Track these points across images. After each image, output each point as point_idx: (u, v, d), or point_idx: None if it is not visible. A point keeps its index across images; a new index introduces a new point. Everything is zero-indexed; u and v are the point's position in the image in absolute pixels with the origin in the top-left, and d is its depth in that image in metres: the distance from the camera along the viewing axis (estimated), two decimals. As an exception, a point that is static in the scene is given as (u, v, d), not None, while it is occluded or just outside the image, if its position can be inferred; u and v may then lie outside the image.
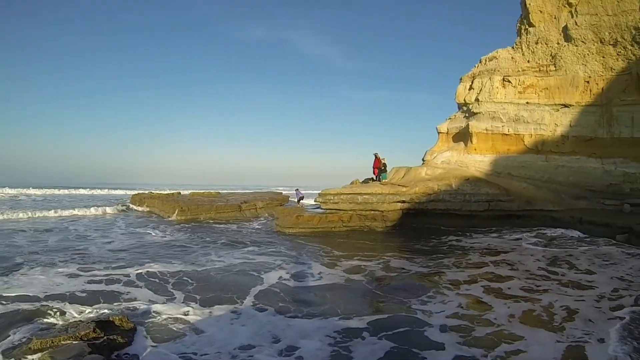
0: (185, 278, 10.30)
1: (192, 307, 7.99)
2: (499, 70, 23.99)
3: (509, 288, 9.49)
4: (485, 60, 24.99)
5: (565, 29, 22.73)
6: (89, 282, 9.72)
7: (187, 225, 21.60)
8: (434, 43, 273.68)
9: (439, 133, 25.97)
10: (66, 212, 26.19)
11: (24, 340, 6.07)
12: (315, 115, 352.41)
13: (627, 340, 6.16)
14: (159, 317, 7.45)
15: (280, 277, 10.61)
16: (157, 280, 10.05)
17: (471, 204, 19.61)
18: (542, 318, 7.43)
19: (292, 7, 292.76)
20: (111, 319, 6.68)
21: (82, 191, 57.75)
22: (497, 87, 23.54)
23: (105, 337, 6.09)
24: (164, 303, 8.26)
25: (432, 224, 19.56)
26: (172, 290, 9.23)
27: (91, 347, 5.53)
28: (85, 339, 5.83)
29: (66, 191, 56.53)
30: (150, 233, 18.79)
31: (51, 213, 25.45)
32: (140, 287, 9.44)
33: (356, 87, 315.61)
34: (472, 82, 24.63)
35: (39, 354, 5.42)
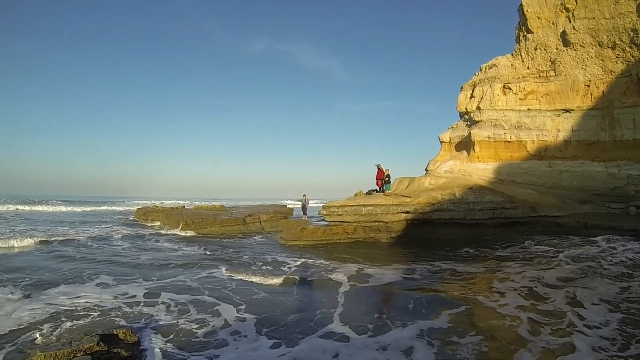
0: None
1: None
2: (499, 78, 24.07)
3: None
4: (485, 68, 25.07)
5: (564, 34, 22.83)
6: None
7: (197, 239, 21.80)
8: (434, 52, 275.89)
9: (441, 142, 25.94)
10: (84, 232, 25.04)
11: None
12: (318, 128, 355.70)
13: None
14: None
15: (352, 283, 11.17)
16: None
17: (475, 212, 19.40)
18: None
19: (291, 20, 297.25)
20: (115, 332, 6.68)
21: (74, 208, 52.60)
22: (498, 95, 23.60)
23: (108, 351, 6.04)
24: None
25: (437, 233, 19.40)
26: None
27: (95, 360, 5.43)
28: (89, 352, 5.79)
29: (63, 208, 53.00)
30: (169, 246, 19.23)
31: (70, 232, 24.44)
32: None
33: (357, 98, 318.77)
34: (473, 91, 24.71)
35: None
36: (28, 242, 17.38)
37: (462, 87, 25.69)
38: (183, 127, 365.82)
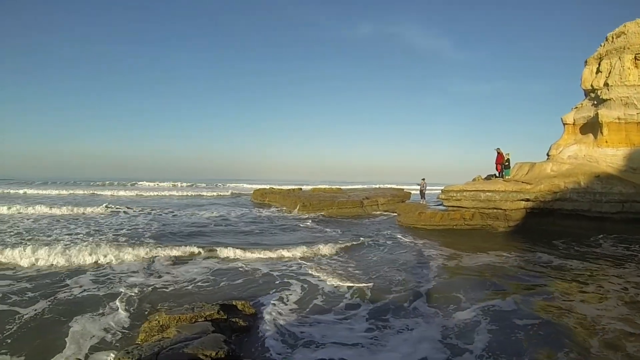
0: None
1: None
2: (629, 48, 21.48)
3: None
4: (613, 38, 22.56)
5: None
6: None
7: (318, 219, 23.91)
8: (551, 23, 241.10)
9: (564, 124, 24.18)
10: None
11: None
12: (431, 111, 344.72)
13: None
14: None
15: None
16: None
17: (602, 204, 18.34)
18: None
19: (399, 1, 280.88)
20: (234, 303, 7.20)
21: (188, 192, 51.88)
22: (629, 68, 21.35)
23: (227, 320, 6.54)
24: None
25: (557, 225, 18.85)
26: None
27: (214, 327, 5.83)
28: (210, 319, 6.27)
29: (176, 192, 51.65)
30: (297, 225, 21.56)
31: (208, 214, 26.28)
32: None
33: (470, 79, 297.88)
34: (599, 65, 22.52)
35: (168, 329, 5.93)
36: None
37: (586, 61, 23.51)
38: (297, 110, 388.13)
